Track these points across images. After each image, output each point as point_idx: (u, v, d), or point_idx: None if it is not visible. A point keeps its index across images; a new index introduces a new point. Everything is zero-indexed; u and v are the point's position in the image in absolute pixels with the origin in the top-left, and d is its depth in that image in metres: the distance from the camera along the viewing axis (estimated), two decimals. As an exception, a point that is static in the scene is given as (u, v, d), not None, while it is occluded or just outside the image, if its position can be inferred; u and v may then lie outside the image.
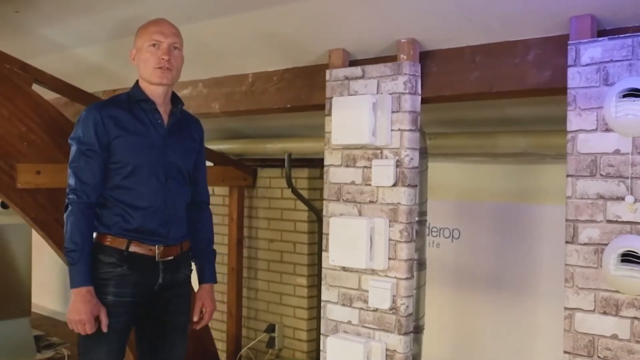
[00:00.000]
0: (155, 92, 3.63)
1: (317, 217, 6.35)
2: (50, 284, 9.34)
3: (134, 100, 3.63)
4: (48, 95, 5.22)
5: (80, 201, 3.48)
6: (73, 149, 3.55)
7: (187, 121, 3.85)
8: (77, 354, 3.62)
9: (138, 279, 3.57)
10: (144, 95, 3.62)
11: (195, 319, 3.86)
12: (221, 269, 6.92)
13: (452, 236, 5.81)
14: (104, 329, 3.45)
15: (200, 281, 3.91)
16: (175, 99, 3.76)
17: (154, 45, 3.56)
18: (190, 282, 3.88)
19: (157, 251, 3.59)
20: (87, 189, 3.49)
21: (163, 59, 3.56)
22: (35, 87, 4.84)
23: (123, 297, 3.54)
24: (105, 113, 3.53)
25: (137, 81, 3.69)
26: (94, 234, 3.56)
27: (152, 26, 3.61)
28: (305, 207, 6.41)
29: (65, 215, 3.50)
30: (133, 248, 3.55)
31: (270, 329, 6.64)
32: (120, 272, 3.53)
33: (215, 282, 3.99)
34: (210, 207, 7.28)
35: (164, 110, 3.68)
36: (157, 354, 3.78)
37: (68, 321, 3.46)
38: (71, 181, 3.52)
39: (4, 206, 6.62)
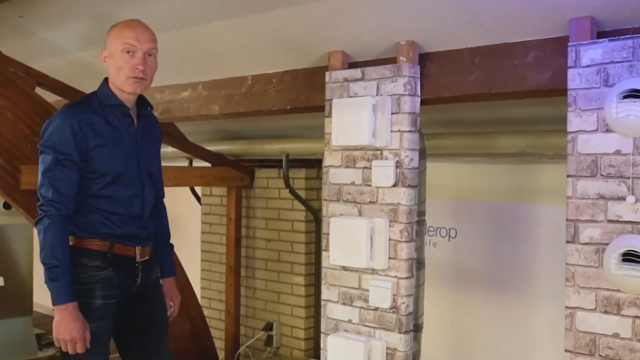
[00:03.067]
0: (127, 98, 3.51)
1: (314, 217, 6.38)
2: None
3: (105, 104, 3.48)
4: (50, 97, 5.23)
5: (58, 214, 3.32)
6: (47, 157, 3.36)
7: (150, 122, 3.73)
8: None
9: (121, 280, 3.52)
10: (116, 100, 3.48)
11: (168, 313, 3.87)
12: (219, 268, 7.00)
13: (449, 235, 5.83)
14: (88, 345, 3.33)
15: (162, 275, 3.86)
16: (142, 101, 3.63)
17: (128, 51, 3.41)
18: (159, 280, 3.86)
19: (137, 252, 3.57)
20: (65, 201, 3.34)
21: (137, 68, 3.42)
22: (38, 90, 4.87)
23: (109, 299, 3.48)
24: (81, 120, 3.37)
25: (106, 80, 3.54)
26: (73, 238, 3.44)
27: (127, 30, 3.44)
28: (303, 207, 6.43)
29: (40, 228, 3.33)
30: (117, 250, 3.49)
31: (268, 327, 6.65)
32: (107, 275, 3.46)
33: (176, 274, 4.01)
34: (208, 207, 7.36)
35: (133, 113, 3.57)
36: (144, 353, 3.74)
37: (56, 340, 3.33)
38: (46, 192, 3.33)
39: (6, 206, 6.65)
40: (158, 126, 3.83)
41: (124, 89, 3.45)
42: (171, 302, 3.90)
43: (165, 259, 3.90)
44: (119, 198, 3.48)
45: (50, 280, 3.30)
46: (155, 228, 3.78)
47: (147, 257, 3.65)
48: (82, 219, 3.44)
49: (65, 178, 3.34)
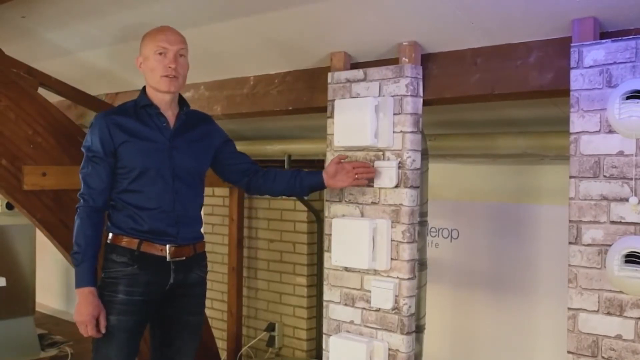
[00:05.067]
0: (163, 98, 3.71)
1: (316, 218, 6.39)
2: (53, 283, 9.38)
3: (139, 106, 3.70)
4: (52, 98, 5.23)
5: (86, 205, 3.62)
6: (83, 157, 3.68)
7: (196, 121, 3.91)
8: (92, 350, 3.71)
9: (149, 279, 3.65)
10: (148, 101, 3.70)
11: (357, 176, 3.96)
12: (221, 268, 6.99)
13: (451, 236, 5.83)
14: (103, 330, 3.56)
15: (319, 177, 4.00)
16: (181, 102, 3.82)
17: (160, 53, 3.64)
18: (205, 283, 3.99)
19: (167, 251, 3.67)
20: (94, 194, 3.62)
21: (170, 67, 3.64)
22: (41, 91, 4.87)
23: (134, 296, 3.62)
24: (110, 121, 3.64)
25: (144, 88, 3.77)
26: (110, 235, 3.69)
27: (159, 34, 3.68)
28: (305, 208, 6.44)
29: (74, 219, 3.64)
30: (144, 248, 3.63)
31: (270, 328, 6.68)
32: (131, 272, 3.62)
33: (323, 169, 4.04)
34: (211, 207, 7.34)
35: (171, 113, 3.76)
36: (166, 353, 3.86)
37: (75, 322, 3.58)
38: (81, 187, 3.65)
39: (9, 207, 6.69)
40: (208, 123, 4.03)
41: (159, 88, 3.68)
42: (354, 175, 3.96)
43: (305, 178, 4.02)
44: (146, 192, 3.66)
45: (73, 265, 3.60)
46: (276, 178, 4.05)
47: (183, 258, 3.75)
48: (115, 216, 3.70)
49: (95, 173, 3.63)
